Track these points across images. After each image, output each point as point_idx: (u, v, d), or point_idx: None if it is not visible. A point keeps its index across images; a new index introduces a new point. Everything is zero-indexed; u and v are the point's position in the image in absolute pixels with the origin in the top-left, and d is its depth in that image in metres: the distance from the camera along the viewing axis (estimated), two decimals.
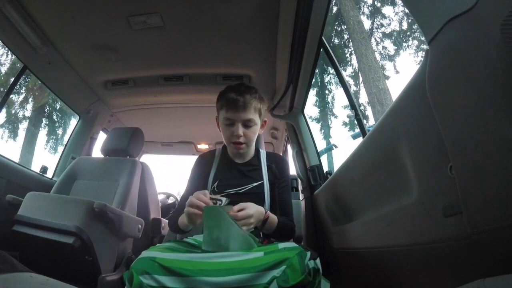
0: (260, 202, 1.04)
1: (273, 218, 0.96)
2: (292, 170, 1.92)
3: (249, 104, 1.00)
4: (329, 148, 8.44)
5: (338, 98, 11.67)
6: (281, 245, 0.79)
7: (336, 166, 1.44)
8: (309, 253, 0.73)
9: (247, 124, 1.02)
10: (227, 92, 1.03)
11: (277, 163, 1.12)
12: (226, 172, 1.09)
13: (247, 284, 0.69)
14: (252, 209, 0.86)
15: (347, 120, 10.81)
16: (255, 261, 0.72)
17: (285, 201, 1.08)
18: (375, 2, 10.67)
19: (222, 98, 1.04)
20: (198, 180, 1.11)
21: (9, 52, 6.47)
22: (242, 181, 1.05)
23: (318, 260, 0.75)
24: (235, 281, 0.69)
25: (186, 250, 0.84)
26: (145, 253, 0.76)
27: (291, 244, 0.79)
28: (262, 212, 0.91)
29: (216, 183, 1.06)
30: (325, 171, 1.74)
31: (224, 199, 0.81)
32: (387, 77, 10.16)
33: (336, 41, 10.93)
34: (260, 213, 0.89)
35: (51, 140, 10.50)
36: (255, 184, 1.06)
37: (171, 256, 0.75)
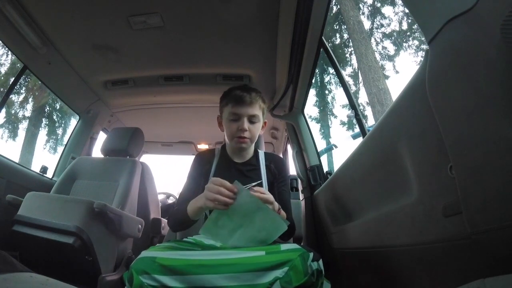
0: None
1: (283, 214, 0.95)
2: (292, 170, 1.93)
3: (255, 100, 1.03)
4: (329, 148, 8.43)
5: (338, 98, 11.68)
6: (284, 246, 0.78)
7: (336, 166, 1.44)
8: (311, 255, 0.73)
9: (252, 120, 1.04)
10: (232, 90, 1.06)
11: (275, 163, 1.13)
12: (225, 172, 1.09)
13: (248, 282, 0.69)
14: (272, 197, 0.85)
15: (346, 120, 10.81)
16: (256, 260, 0.72)
17: (284, 201, 1.08)
18: (375, 2, 10.68)
19: (228, 95, 1.07)
20: (198, 178, 1.10)
21: (9, 52, 6.47)
22: (241, 181, 1.05)
23: (320, 262, 0.75)
24: (235, 279, 0.69)
25: (186, 249, 0.84)
26: (144, 253, 0.76)
27: (293, 245, 0.79)
28: (277, 205, 0.89)
29: None
30: (325, 171, 1.74)
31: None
32: (387, 77, 10.17)
33: (337, 40, 10.93)
34: (275, 205, 0.87)
35: (51, 140, 10.51)
36: (254, 183, 1.06)
37: (171, 255, 0.75)
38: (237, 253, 0.75)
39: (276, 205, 0.87)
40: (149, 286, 0.69)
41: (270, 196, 0.83)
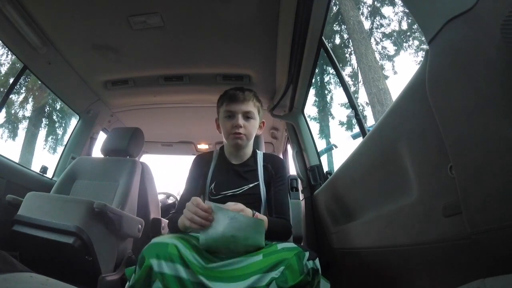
0: (257, 203, 1.04)
1: (262, 218, 0.93)
2: (292, 170, 1.93)
3: (248, 98, 1.06)
4: (329, 148, 8.44)
5: (338, 98, 11.68)
6: (280, 245, 0.79)
7: (336, 166, 1.44)
8: (307, 253, 0.74)
9: (247, 115, 1.05)
10: (227, 91, 1.09)
11: (273, 163, 1.12)
12: (223, 174, 1.09)
13: (246, 286, 0.70)
14: (240, 204, 0.85)
15: (346, 120, 10.81)
16: (255, 265, 0.73)
17: (280, 200, 1.06)
18: (375, 2, 10.67)
19: (223, 96, 1.10)
20: (197, 180, 1.10)
21: (9, 52, 6.46)
22: (238, 183, 1.06)
23: (317, 260, 0.75)
24: (235, 284, 0.70)
25: (194, 244, 0.83)
26: (157, 239, 0.77)
27: (290, 244, 0.79)
28: (248, 210, 0.87)
29: (213, 185, 1.07)
30: (325, 171, 1.74)
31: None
32: (387, 77, 10.16)
33: (337, 39, 10.93)
34: (246, 211, 0.86)
35: (51, 140, 10.50)
36: (251, 185, 1.06)
37: (182, 245, 0.76)
38: (236, 262, 0.76)
39: (248, 210, 0.85)
40: (157, 272, 0.70)
41: (237, 205, 0.83)
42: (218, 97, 1.12)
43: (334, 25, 10.60)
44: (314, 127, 11.40)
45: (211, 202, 0.79)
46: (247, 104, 1.05)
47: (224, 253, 0.79)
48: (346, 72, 10.83)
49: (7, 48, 1.66)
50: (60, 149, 10.07)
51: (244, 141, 1.06)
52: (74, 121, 8.25)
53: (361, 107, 10.11)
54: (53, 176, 1.97)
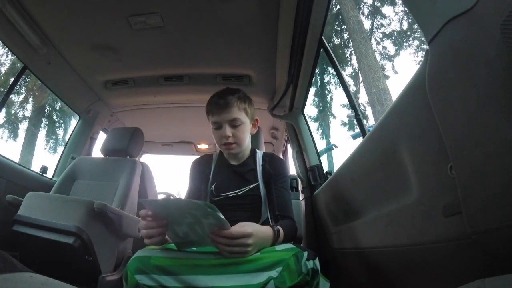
0: (258, 203, 1.04)
1: (281, 234, 0.88)
2: (292, 170, 1.93)
3: (230, 103, 1.00)
4: (329, 148, 8.45)
5: (339, 98, 11.69)
6: (279, 246, 0.78)
7: (336, 166, 1.44)
8: (305, 253, 0.73)
9: (234, 124, 1.01)
10: (211, 98, 1.05)
11: (271, 162, 1.11)
12: (223, 175, 1.09)
13: (242, 283, 0.69)
14: (251, 227, 0.75)
15: (346, 120, 10.82)
16: (251, 261, 0.72)
17: (282, 198, 1.04)
18: (375, 2, 10.67)
19: (208, 105, 1.05)
20: (199, 182, 1.10)
21: (9, 52, 6.47)
22: (239, 184, 1.05)
23: (316, 260, 0.75)
24: (230, 279, 0.70)
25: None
26: (140, 252, 0.76)
27: (287, 245, 0.79)
28: (268, 237, 0.81)
29: (213, 186, 1.06)
30: (325, 171, 1.74)
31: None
32: (387, 77, 10.16)
33: (337, 40, 10.93)
34: (264, 240, 0.79)
35: (51, 140, 10.50)
36: (251, 186, 1.05)
37: (166, 255, 0.75)
38: None
39: (261, 243, 0.78)
40: (145, 286, 0.69)
41: (245, 229, 0.73)
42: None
43: (334, 25, 10.60)
44: (314, 127, 11.42)
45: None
46: (230, 111, 0.99)
47: (201, 242, 0.76)
48: (346, 72, 10.84)
49: (7, 48, 1.66)
50: (60, 149, 10.08)
51: (236, 148, 1.04)
52: (74, 121, 8.26)
53: (361, 107, 10.12)
54: (53, 176, 1.97)
